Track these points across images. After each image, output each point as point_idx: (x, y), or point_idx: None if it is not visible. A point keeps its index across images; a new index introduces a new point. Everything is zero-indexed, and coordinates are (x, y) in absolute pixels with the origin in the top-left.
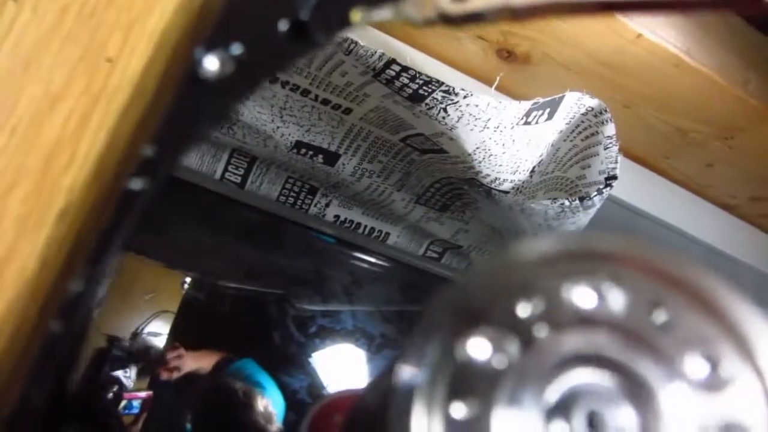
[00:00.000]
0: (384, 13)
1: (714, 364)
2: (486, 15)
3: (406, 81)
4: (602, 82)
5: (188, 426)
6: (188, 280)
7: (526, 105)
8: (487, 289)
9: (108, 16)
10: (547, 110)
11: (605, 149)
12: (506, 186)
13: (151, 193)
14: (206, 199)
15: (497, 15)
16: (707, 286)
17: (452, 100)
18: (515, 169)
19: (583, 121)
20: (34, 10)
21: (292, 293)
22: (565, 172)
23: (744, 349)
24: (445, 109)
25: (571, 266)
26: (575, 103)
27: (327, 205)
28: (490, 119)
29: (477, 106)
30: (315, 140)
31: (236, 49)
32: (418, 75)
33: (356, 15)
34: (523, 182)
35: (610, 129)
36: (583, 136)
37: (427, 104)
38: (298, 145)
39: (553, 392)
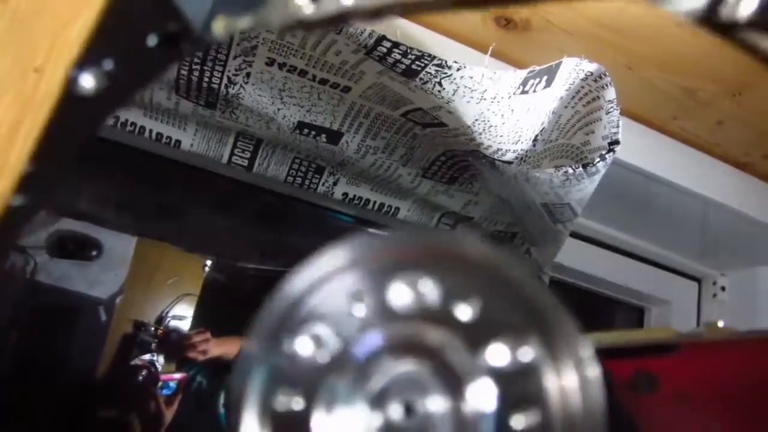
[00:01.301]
0: (245, 21)
1: (515, 350)
2: (349, 15)
3: (398, 56)
4: (604, 45)
5: (221, 407)
6: (209, 263)
7: (522, 74)
8: (310, 293)
9: (37, 24)
10: (545, 78)
11: (607, 114)
12: (509, 156)
13: (34, 209)
14: (218, 183)
15: (358, 15)
16: (515, 275)
17: (446, 73)
18: (517, 139)
19: (583, 87)
20: None
21: None
22: (569, 139)
23: (544, 335)
24: (440, 83)
25: (392, 265)
26: (574, 69)
27: (335, 184)
28: (486, 90)
29: (471, 77)
30: (317, 120)
31: (108, 64)
32: (409, 50)
33: (219, 24)
34: (526, 151)
35: (610, 93)
36: (584, 101)
37: (421, 78)
38: (301, 125)
39: (376, 383)
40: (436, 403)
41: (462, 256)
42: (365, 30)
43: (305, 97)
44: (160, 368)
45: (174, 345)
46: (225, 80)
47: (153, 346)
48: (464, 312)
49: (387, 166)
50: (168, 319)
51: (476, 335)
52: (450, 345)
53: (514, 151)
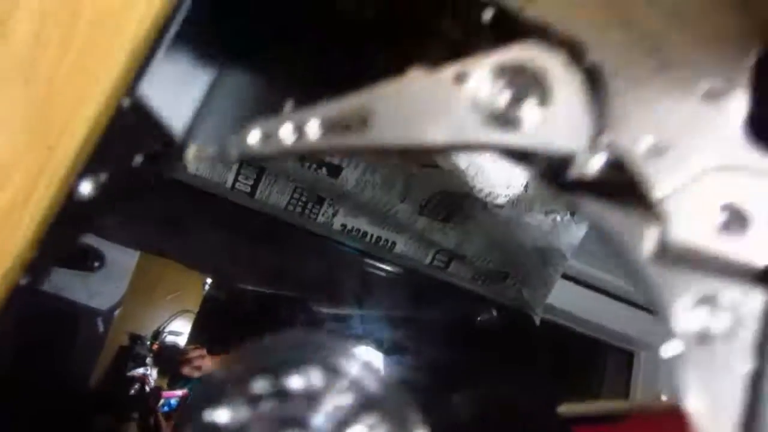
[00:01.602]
0: (211, 152)
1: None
2: (288, 154)
3: None
4: None
5: None
6: (209, 281)
7: None
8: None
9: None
10: None
11: None
12: (501, 200)
13: (34, 287)
14: (222, 205)
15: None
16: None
17: None
18: (508, 184)
19: None
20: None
21: (303, 296)
22: None
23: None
24: None
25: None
26: None
27: (334, 215)
28: None
29: None
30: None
31: (103, 177)
32: None
33: (190, 153)
34: (517, 196)
35: None
36: None
37: None
38: (302, 158)
39: None
40: None
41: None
42: None
43: None
44: (153, 382)
45: (169, 360)
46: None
47: (148, 360)
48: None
49: (385, 202)
50: (165, 334)
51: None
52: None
53: (505, 196)
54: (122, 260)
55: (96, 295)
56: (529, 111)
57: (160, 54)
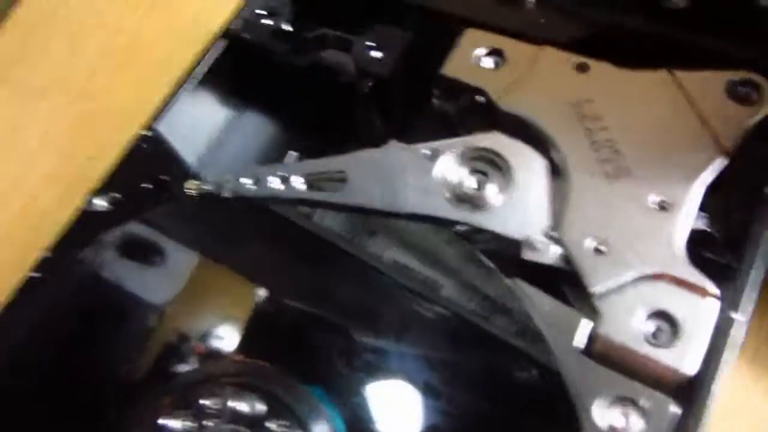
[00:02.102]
0: (208, 186)
1: None
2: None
3: None
4: None
5: None
6: (260, 293)
7: None
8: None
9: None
10: None
11: None
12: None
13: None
14: (281, 222)
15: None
16: None
17: None
18: None
19: None
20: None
21: (345, 323)
22: None
23: None
24: None
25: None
26: None
27: (385, 248)
28: None
29: None
30: None
31: (116, 195)
32: None
33: (191, 184)
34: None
35: None
36: None
37: None
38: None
39: None
40: None
41: None
42: None
43: None
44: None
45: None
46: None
47: (191, 359)
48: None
49: (436, 242)
50: (211, 338)
51: None
52: None
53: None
54: (181, 260)
55: (151, 290)
56: (492, 194)
57: (182, 96)
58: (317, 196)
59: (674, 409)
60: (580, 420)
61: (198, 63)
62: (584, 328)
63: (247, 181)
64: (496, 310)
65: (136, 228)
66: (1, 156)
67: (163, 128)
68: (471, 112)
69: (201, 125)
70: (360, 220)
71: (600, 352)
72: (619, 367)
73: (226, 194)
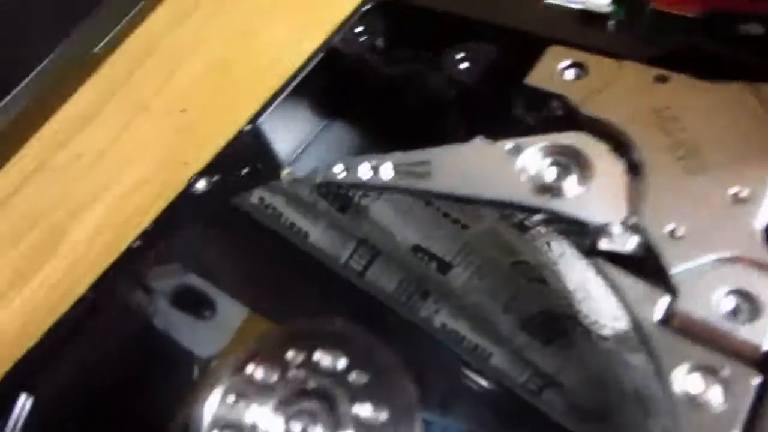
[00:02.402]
0: (300, 175)
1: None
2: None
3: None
4: None
5: None
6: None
7: None
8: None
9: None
10: None
11: None
12: (606, 331)
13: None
14: (333, 278)
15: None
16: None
17: (555, 236)
18: (615, 316)
19: None
20: (156, 123)
21: None
22: None
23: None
24: (548, 243)
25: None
26: None
27: (436, 312)
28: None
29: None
30: (432, 247)
31: (216, 178)
32: None
33: (284, 172)
34: (625, 332)
35: None
36: None
37: (532, 235)
38: (416, 248)
39: (293, 409)
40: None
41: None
42: None
43: (426, 223)
44: None
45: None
46: (360, 191)
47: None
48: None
49: (489, 309)
50: None
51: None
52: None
53: (611, 328)
54: (231, 315)
55: (199, 342)
56: (571, 185)
57: (282, 99)
58: (404, 183)
59: (757, 380)
60: (665, 384)
61: (298, 72)
62: (662, 303)
63: (337, 169)
64: (547, 383)
65: (190, 279)
66: (99, 163)
67: (263, 125)
68: (550, 122)
69: (297, 126)
70: (413, 279)
71: (679, 328)
72: (698, 341)
73: (318, 180)
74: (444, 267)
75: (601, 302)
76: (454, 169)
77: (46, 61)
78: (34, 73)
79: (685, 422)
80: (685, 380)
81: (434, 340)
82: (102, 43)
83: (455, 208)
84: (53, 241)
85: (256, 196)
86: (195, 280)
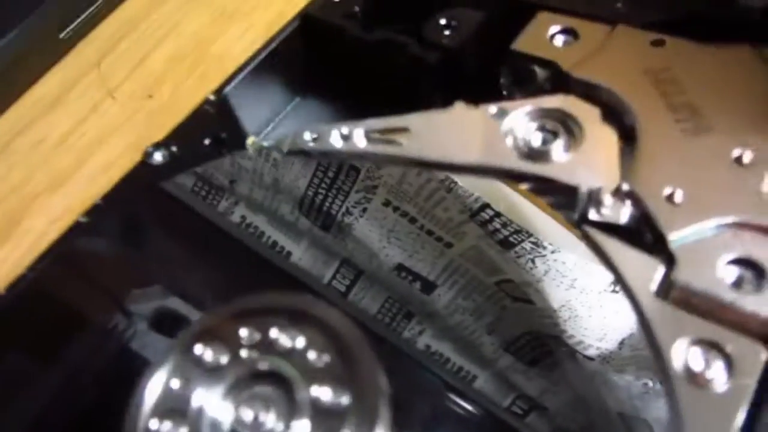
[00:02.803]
0: (266, 144)
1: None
2: (335, 156)
3: (498, 226)
4: None
5: None
6: None
7: None
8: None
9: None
10: None
11: None
12: (591, 351)
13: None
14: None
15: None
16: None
17: (540, 252)
18: (602, 336)
19: None
20: (120, 106)
21: None
22: None
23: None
24: (533, 260)
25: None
26: None
27: (420, 333)
28: (576, 279)
29: (564, 263)
30: (416, 266)
31: (174, 148)
32: (509, 222)
33: (250, 140)
34: (610, 352)
35: None
36: None
37: (516, 252)
38: (400, 267)
39: (244, 394)
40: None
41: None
42: (472, 194)
43: (410, 242)
44: None
45: None
46: (344, 209)
47: None
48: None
49: (472, 330)
50: None
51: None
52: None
53: (597, 348)
54: None
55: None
56: (560, 150)
57: (252, 68)
58: (378, 150)
59: (764, 355)
60: (656, 364)
61: (271, 40)
62: (659, 273)
63: (307, 137)
64: (532, 407)
65: (172, 303)
66: (61, 147)
67: (230, 94)
68: (539, 88)
69: (268, 97)
70: (397, 299)
71: (679, 299)
72: (699, 314)
73: (285, 149)
74: (428, 287)
75: (587, 322)
76: (434, 135)
77: (3, 42)
78: None
79: (685, 402)
80: (684, 356)
81: (417, 363)
82: (69, 29)
83: (439, 225)
84: (7, 229)
85: (237, 214)
86: (176, 304)
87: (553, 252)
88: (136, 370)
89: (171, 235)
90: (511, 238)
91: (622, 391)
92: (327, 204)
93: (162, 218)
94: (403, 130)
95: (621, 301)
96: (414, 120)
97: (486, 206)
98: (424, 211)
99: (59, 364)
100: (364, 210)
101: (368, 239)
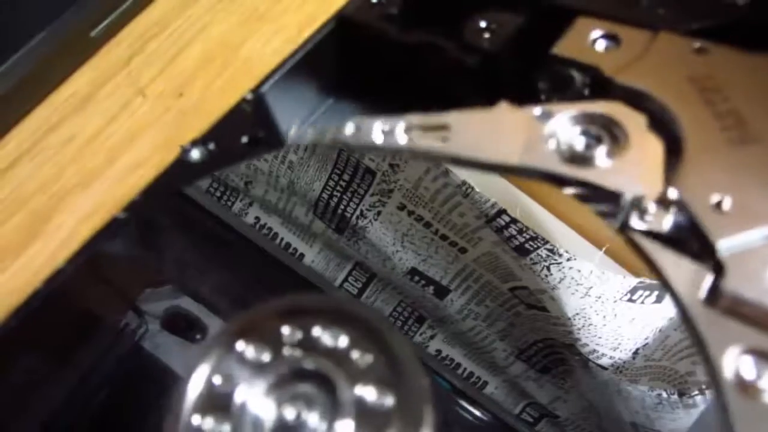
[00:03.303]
0: (309, 133)
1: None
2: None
3: (513, 232)
4: None
5: None
6: None
7: (631, 282)
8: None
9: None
10: (656, 293)
11: None
12: (604, 361)
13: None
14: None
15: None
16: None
17: (555, 260)
18: (616, 346)
19: None
20: (151, 105)
21: None
22: (674, 364)
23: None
24: (548, 267)
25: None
26: None
27: (432, 337)
28: (592, 287)
29: (579, 271)
30: (429, 271)
31: (211, 146)
32: (525, 229)
33: (292, 130)
34: (624, 362)
35: None
36: None
37: (531, 259)
38: (413, 271)
39: (287, 392)
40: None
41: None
42: (489, 200)
43: (424, 246)
44: None
45: None
46: (358, 212)
47: None
48: (356, 356)
49: (484, 336)
50: None
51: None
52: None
53: (610, 357)
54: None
55: (190, 365)
56: (602, 154)
57: (289, 69)
58: (418, 147)
59: None
60: (707, 372)
61: (307, 41)
62: (708, 282)
63: (348, 130)
64: (543, 414)
65: (184, 302)
66: (91, 146)
67: (267, 93)
68: (580, 93)
69: (304, 97)
70: (409, 303)
71: (728, 307)
72: (749, 323)
73: (327, 141)
74: (441, 291)
75: (600, 330)
76: (477, 134)
77: (36, 40)
78: (23, 50)
79: (736, 412)
80: (735, 365)
81: (428, 368)
82: (99, 27)
83: (455, 230)
84: (36, 228)
85: (251, 216)
86: (189, 304)
87: (569, 260)
88: (147, 369)
89: (184, 236)
90: (527, 245)
91: (635, 402)
92: (342, 207)
93: (176, 219)
94: (444, 127)
95: (636, 309)
96: (455, 118)
97: (502, 212)
98: (440, 216)
99: (73, 363)
100: (379, 213)
101: (382, 243)
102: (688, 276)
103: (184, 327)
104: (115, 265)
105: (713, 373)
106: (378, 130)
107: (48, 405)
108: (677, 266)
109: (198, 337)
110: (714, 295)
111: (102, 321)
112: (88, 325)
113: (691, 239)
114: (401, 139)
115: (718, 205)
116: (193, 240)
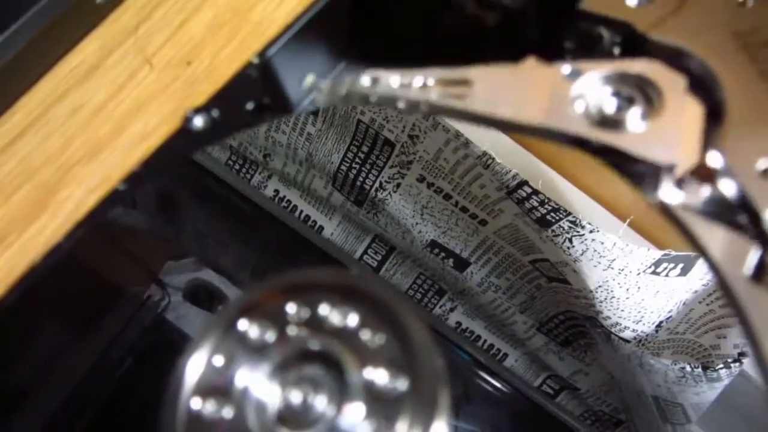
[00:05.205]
0: (324, 84)
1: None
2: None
3: (535, 204)
4: None
5: None
6: None
7: (656, 254)
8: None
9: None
10: (681, 265)
11: None
12: (627, 334)
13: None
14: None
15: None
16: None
17: (578, 232)
18: (639, 319)
19: None
20: (158, 74)
21: None
22: (699, 337)
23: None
24: (570, 240)
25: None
26: None
27: (452, 310)
28: (615, 260)
29: (602, 243)
30: (449, 243)
31: (215, 113)
32: (547, 200)
33: (307, 81)
34: (647, 335)
35: None
36: (721, 302)
37: (553, 231)
38: (433, 244)
39: (292, 375)
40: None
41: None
42: (510, 171)
43: (444, 219)
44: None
45: None
46: (377, 184)
47: None
48: (367, 337)
49: (505, 308)
50: None
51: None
52: (349, 360)
53: (633, 330)
54: None
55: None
56: (635, 117)
57: (297, 31)
58: (437, 101)
59: None
60: (752, 353)
61: (316, 2)
62: (753, 256)
63: (365, 81)
64: (563, 386)
65: (206, 275)
66: (99, 116)
67: (273, 58)
68: (610, 52)
69: (312, 60)
70: (429, 276)
71: None
72: None
73: (343, 91)
74: (461, 264)
75: (623, 303)
76: (500, 91)
77: (39, 6)
78: (25, 17)
79: None
80: None
81: (448, 340)
82: None
83: (475, 202)
84: (43, 200)
85: (270, 188)
86: (210, 276)
87: (591, 231)
88: (170, 340)
89: (204, 209)
90: (548, 217)
91: (658, 375)
92: (360, 179)
93: (196, 191)
94: (465, 82)
95: (660, 282)
96: (478, 73)
97: (524, 183)
98: (460, 188)
99: (95, 334)
100: (398, 185)
101: (401, 215)
102: (732, 250)
103: (205, 298)
104: (135, 237)
105: (759, 353)
106: (396, 81)
107: (71, 374)
108: (719, 239)
109: (219, 307)
110: (761, 270)
111: (125, 293)
112: (112, 296)
113: (735, 210)
114: (419, 92)
115: (766, 172)
116: (213, 213)
